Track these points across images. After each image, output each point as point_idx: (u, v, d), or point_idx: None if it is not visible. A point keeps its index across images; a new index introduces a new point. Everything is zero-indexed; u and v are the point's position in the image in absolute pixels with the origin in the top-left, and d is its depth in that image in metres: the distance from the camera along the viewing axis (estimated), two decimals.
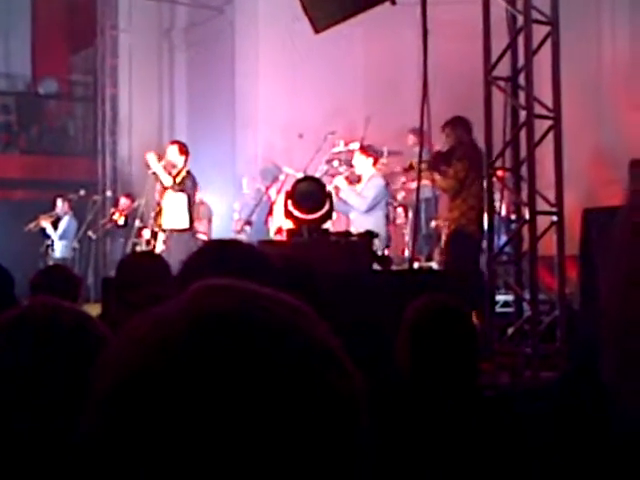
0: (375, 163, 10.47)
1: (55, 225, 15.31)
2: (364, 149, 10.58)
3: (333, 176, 10.52)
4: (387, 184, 10.50)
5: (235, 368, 0.84)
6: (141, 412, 0.84)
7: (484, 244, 10.32)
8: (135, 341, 0.89)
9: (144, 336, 0.89)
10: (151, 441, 0.83)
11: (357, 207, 10.03)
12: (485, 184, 7.93)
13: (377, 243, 8.44)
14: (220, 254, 2.31)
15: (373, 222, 9.64)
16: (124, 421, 0.85)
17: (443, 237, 10.82)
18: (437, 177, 9.04)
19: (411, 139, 11.33)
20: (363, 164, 10.35)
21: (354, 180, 10.46)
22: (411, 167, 9.69)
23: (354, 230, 9.46)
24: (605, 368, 1.06)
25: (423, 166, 9.35)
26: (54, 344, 1.46)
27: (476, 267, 8.76)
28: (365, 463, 0.89)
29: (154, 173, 11.62)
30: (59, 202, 15.54)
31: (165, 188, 10.83)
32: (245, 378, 0.83)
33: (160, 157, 10.86)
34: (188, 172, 10.73)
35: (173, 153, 10.85)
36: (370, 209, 10.01)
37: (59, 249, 15.20)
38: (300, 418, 0.84)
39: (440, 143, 9.31)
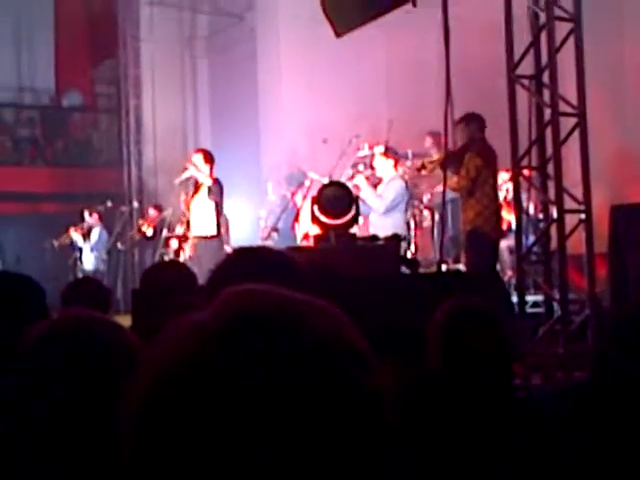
0: (396, 165, 10.46)
1: (85, 237, 15.37)
2: (385, 151, 10.57)
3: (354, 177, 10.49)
4: (408, 186, 10.47)
5: (270, 370, 0.86)
6: (179, 416, 0.86)
7: (505, 244, 10.33)
8: (172, 346, 0.91)
9: (181, 341, 0.91)
10: (189, 444, 0.84)
11: (375, 208, 10.02)
12: (512, 184, 7.89)
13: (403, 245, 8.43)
14: (249, 261, 2.28)
15: (391, 224, 9.62)
16: (162, 426, 0.86)
17: None
18: (450, 177, 8.95)
19: (428, 141, 11.30)
20: (383, 166, 10.35)
21: (375, 183, 10.44)
22: (423, 167, 9.62)
23: (372, 231, 9.45)
24: None
25: (431, 166, 9.31)
26: (86, 355, 1.45)
27: (494, 268, 8.70)
28: (393, 460, 0.91)
29: (181, 182, 11.68)
30: (86, 214, 15.61)
31: (192, 196, 10.89)
32: (280, 380, 0.86)
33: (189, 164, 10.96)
34: (215, 180, 10.75)
35: (199, 162, 10.89)
36: (388, 211, 9.99)
37: (89, 261, 15.25)
38: (331, 416, 0.86)
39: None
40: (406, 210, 10.38)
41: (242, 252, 2.52)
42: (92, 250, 15.14)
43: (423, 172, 9.76)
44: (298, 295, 0.97)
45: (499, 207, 9.01)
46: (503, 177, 11.03)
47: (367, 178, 10.34)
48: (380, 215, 10.02)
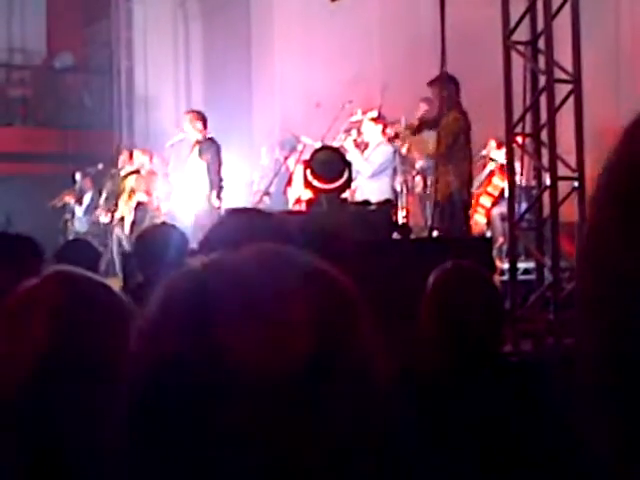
0: (384, 130, 10.40)
1: (78, 200, 15.34)
2: (377, 117, 10.51)
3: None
4: (398, 151, 10.44)
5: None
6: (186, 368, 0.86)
7: (498, 211, 10.33)
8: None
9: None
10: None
11: (362, 172, 9.98)
12: (506, 150, 7.87)
13: None
14: (240, 224, 2.30)
15: (377, 188, 9.60)
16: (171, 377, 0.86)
17: None
18: (427, 142, 8.95)
19: (422, 108, 11.19)
20: (371, 131, 10.30)
21: (364, 147, 10.41)
22: (396, 136, 9.62)
23: (359, 196, 9.44)
24: None
25: (407, 132, 9.29)
26: (71, 312, 1.44)
27: (468, 231, 8.73)
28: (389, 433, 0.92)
29: (172, 145, 11.67)
30: (77, 176, 15.57)
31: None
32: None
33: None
34: (207, 139, 10.73)
35: (189, 122, 10.86)
36: (375, 175, 9.95)
37: (81, 224, 15.22)
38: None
39: None
40: (395, 175, 10.34)
41: (233, 214, 2.54)
42: (85, 214, 15.10)
43: (397, 142, 9.75)
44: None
45: (472, 170, 9.05)
46: (492, 145, 11.04)
47: (355, 142, 10.30)
48: (367, 179, 10.00)
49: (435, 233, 9.13)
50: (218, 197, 10.70)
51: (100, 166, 15.31)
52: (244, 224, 2.31)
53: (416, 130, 9.27)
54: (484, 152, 11.34)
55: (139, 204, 13.05)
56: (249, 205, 12.34)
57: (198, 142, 10.76)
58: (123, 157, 14.47)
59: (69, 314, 1.44)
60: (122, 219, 13.43)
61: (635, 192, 0.67)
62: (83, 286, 1.50)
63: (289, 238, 2.24)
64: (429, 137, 9.32)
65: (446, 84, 8.74)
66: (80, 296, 1.47)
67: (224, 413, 0.83)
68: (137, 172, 13.33)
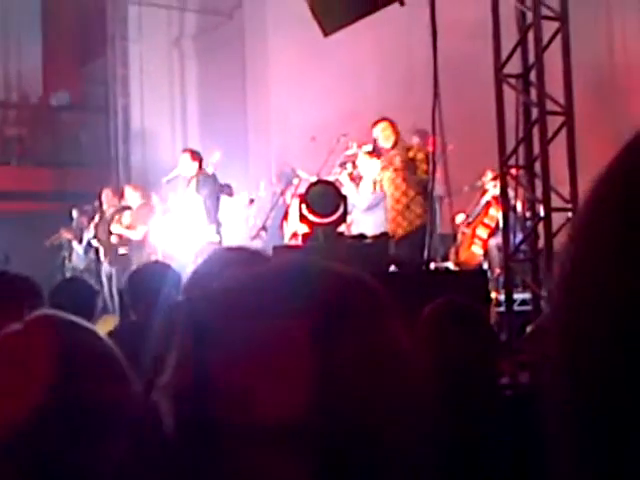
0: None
1: (76, 237, 15.35)
2: (373, 150, 10.55)
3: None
4: None
5: None
6: None
7: (494, 241, 10.36)
8: None
9: None
10: None
11: (358, 205, 10.02)
12: (500, 182, 7.91)
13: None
14: (226, 262, 2.33)
15: (373, 221, 9.63)
16: None
17: (459, 237, 10.84)
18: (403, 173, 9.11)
19: (415, 140, 11.19)
20: (366, 164, 10.34)
21: (359, 181, 10.46)
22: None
23: (355, 229, 9.46)
24: None
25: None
26: (62, 360, 1.45)
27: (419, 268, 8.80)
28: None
29: (169, 181, 11.73)
30: (74, 213, 15.60)
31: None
32: None
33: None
34: (206, 175, 10.80)
35: (185, 161, 10.93)
36: (370, 208, 9.98)
37: (80, 261, 15.22)
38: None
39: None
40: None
41: (221, 252, 2.58)
42: (85, 252, 15.07)
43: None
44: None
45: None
46: (488, 176, 11.07)
47: (350, 175, 10.35)
48: (363, 212, 10.03)
49: (432, 265, 9.14)
50: (217, 232, 10.73)
51: (97, 203, 15.35)
52: (231, 261, 2.33)
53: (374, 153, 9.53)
54: (479, 183, 11.38)
55: (131, 241, 13.06)
56: (247, 239, 12.40)
57: (194, 177, 10.82)
58: (105, 196, 14.42)
59: (60, 360, 1.44)
60: (115, 255, 13.43)
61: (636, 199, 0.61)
62: (69, 331, 1.51)
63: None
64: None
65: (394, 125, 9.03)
66: (68, 341, 1.48)
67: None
68: (128, 208, 13.34)
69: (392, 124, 9.30)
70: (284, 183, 12.38)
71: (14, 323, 1.51)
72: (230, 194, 10.98)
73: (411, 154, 9.37)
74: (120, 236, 13.02)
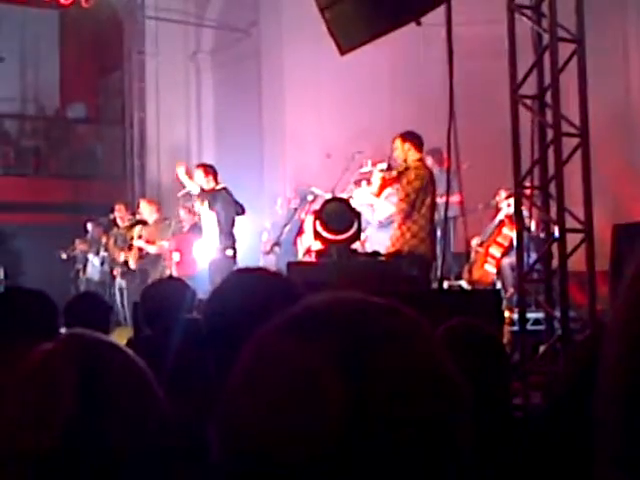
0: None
1: (95, 250, 15.40)
2: (387, 168, 10.55)
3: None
4: None
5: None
6: None
7: (507, 261, 10.33)
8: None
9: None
10: None
11: (371, 222, 10.04)
12: (514, 203, 7.91)
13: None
14: (246, 283, 2.36)
15: (387, 239, 9.63)
16: None
17: (473, 256, 10.83)
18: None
19: (429, 160, 11.14)
20: (380, 182, 10.33)
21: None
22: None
23: (369, 246, 9.45)
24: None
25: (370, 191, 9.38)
26: (91, 378, 1.47)
27: (428, 287, 8.68)
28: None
29: (184, 195, 11.77)
30: (89, 226, 15.66)
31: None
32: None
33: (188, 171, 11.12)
34: (219, 189, 10.81)
35: (199, 176, 10.97)
36: (383, 226, 9.97)
37: (95, 273, 15.27)
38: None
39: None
40: None
41: (241, 273, 2.60)
42: (102, 264, 15.11)
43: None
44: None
45: (434, 228, 9.04)
46: (502, 195, 11.07)
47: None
48: (376, 229, 10.04)
49: (445, 284, 9.14)
50: (231, 247, 10.76)
51: (112, 216, 15.42)
52: (249, 283, 2.36)
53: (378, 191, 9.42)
54: (493, 202, 11.39)
55: (147, 254, 13.10)
56: (259, 255, 12.43)
57: (208, 193, 10.84)
58: (119, 210, 14.50)
59: (91, 379, 1.47)
60: (126, 269, 13.49)
61: None
62: (100, 349, 1.53)
63: (293, 295, 2.28)
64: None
65: (406, 140, 8.87)
66: (100, 360, 1.50)
67: None
68: (144, 222, 13.39)
69: (403, 141, 9.14)
70: (299, 199, 12.41)
71: (31, 341, 1.53)
72: (241, 213, 10.97)
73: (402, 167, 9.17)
74: (141, 250, 13.07)
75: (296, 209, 12.19)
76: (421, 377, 0.95)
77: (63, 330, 3.83)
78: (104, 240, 14.78)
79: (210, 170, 11.03)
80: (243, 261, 10.91)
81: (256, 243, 13.50)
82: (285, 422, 0.90)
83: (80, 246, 15.76)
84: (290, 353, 0.95)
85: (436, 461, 0.94)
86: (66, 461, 1.40)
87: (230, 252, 10.68)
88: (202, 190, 10.95)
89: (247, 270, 2.60)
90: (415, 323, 0.99)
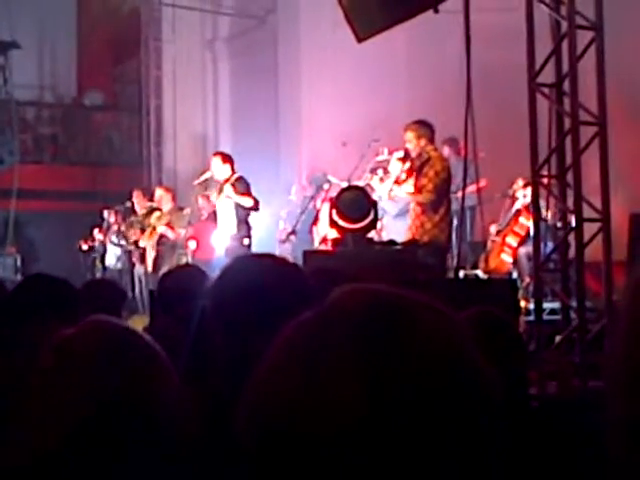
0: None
1: (109, 238, 15.45)
2: (404, 157, 10.52)
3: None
4: None
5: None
6: None
7: (524, 250, 10.32)
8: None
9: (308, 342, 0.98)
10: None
11: (388, 210, 10.02)
12: (531, 192, 7.88)
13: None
14: (252, 268, 2.34)
15: (404, 227, 9.62)
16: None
17: (489, 245, 10.80)
18: (412, 191, 9.02)
19: (446, 150, 11.10)
20: (398, 170, 10.30)
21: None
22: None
23: (385, 235, 9.44)
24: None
25: (390, 181, 9.36)
26: (112, 364, 1.47)
27: (445, 276, 8.71)
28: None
29: (200, 183, 11.77)
30: (106, 213, 15.70)
31: (217, 196, 11.01)
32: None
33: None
34: (237, 178, 10.78)
35: (217, 164, 10.94)
36: (400, 214, 9.96)
37: (113, 260, 15.32)
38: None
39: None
40: None
41: (246, 259, 2.57)
42: (121, 252, 15.14)
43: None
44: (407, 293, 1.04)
45: (452, 218, 9.09)
46: (519, 184, 11.04)
47: (381, 180, 10.32)
48: (393, 218, 10.02)
49: (461, 273, 9.12)
50: (247, 236, 10.75)
51: (128, 203, 15.45)
52: (254, 269, 2.34)
53: (402, 180, 9.41)
54: (510, 191, 11.36)
55: (163, 240, 13.10)
56: (275, 244, 12.43)
57: (225, 181, 10.82)
58: (136, 197, 14.50)
59: (115, 364, 1.47)
60: (143, 256, 13.51)
61: None
62: (120, 335, 1.54)
63: (301, 282, 2.27)
64: None
65: (421, 129, 8.87)
66: (122, 346, 1.51)
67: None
68: (159, 209, 13.41)
69: (415, 130, 9.13)
70: (315, 188, 12.39)
71: (55, 326, 1.53)
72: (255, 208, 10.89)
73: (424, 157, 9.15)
74: (162, 236, 13.07)
75: (312, 197, 12.17)
76: (455, 373, 0.94)
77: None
78: (122, 227, 14.81)
79: (227, 158, 11.01)
80: (259, 250, 10.90)
81: (272, 232, 13.50)
82: (316, 400, 0.92)
83: (99, 235, 15.82)
84: (320, 347, 0.95)
85: (468, 455, 0.95)
86: (85, 443, 1.40)
87: (246, 241, 10.68)
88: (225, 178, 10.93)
89: (253, 256, 2.58)
90: (449, 319, 1.00)
